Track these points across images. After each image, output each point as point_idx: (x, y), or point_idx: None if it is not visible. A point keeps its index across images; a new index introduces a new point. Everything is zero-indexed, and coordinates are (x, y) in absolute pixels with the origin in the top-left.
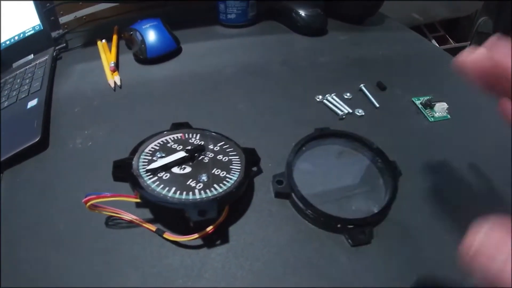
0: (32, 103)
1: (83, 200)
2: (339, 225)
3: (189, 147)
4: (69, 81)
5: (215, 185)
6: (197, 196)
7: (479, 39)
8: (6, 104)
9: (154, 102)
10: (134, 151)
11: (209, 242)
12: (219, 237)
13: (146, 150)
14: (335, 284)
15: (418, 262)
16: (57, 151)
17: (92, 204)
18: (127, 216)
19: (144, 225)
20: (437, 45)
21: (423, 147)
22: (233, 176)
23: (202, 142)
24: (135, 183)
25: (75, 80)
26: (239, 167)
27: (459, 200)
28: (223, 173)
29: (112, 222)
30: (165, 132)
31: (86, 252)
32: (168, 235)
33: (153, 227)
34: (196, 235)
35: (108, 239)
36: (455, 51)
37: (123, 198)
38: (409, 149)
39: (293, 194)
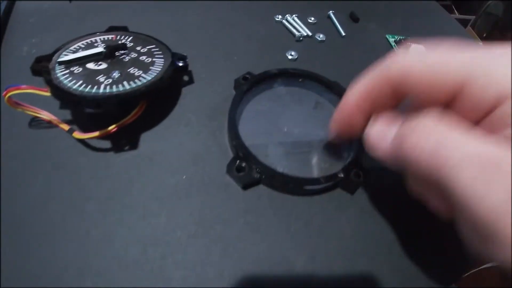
0: None
1: (3, 94)
2: None
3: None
4: None
5: (124, 83)
6: (100, 90)
7: (486, 20)
8: None
9: (109, 12)
10: (59, 49)
11: (116, 146)
12: (128, 142)
13: (71, 48)
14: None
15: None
16: (4, 61)
17: (13, 101)
18: (46, 116)
19: (60, 125)
20: None
21: None
22: (148, 76)
23: (132, 44)
24: (47, 76)
25: None
26: (159, 69)
27: None
28: (138, 72)
29: (35, 122)
30: (97, 33)
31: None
32: (76, 133)
33: (67, 127)
34: (97, 133)
35: (26, 137)
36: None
37: (37, 91)
38: None
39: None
